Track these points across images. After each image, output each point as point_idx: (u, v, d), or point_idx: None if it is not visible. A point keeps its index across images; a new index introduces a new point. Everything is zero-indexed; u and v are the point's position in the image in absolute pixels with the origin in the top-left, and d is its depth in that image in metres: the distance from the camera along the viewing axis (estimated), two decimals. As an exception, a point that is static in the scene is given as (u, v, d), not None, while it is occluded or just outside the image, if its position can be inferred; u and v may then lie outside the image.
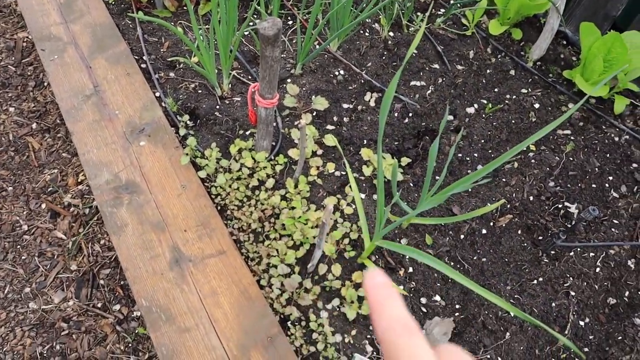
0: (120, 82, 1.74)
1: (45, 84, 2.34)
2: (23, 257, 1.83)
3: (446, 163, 1.31)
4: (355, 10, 1.96)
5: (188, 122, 1.70)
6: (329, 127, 1.82)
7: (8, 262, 1.81)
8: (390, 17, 2.08)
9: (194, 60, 1.87)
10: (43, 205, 1.96)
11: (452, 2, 2.18)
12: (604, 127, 1.98)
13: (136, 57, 1.87)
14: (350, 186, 1.64)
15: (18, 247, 1.85)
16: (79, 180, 2.03)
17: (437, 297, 1.49)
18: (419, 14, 2.22)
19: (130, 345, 1.65)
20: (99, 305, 1.73)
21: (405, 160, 1.70)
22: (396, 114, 1.89)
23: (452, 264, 1.57)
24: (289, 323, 1.35)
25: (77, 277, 1.79)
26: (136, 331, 1.66)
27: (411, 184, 1.69)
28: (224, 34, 1.61)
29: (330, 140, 1.72)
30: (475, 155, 1.83)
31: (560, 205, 1.73)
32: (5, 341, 1.65)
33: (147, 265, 1.36)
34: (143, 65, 1.85)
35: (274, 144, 1.69)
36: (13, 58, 2.42)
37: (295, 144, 1.73)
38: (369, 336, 1.37)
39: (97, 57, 1.80)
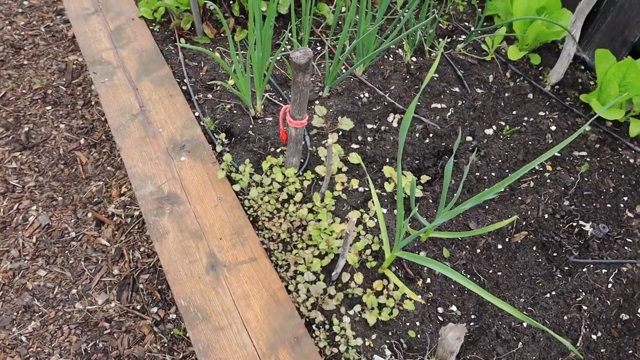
0: (164, 103, 1.91)
1: (93, 103, 2.54)
2: (70, 262, 1.99)
3: (462, 180, 1.41)
4: (380, 37, 2.10)
5: (224, 139, 1.85)
6: (354, 145, 1.94)
7: (57, 266, 1.98)
8: (413, 43, 2.21)
9: (230, 83, 2.04)
10: (89, 215, 2.13)
11: (472, 29, 2.30)
12: (619, 149, 2.05)
13: (178, 80, 2.04)
14: (372, 201, 1.76)
15: (66, 252, 2.02)
16: (122, 192, 2.21)
17: (454, 307, 1.58)
18: (440, 40, 2.35)
19: (166, 345, 1.78)
20: (138, 307, 1.88)
21: (424, 178, 1.81)
22: (417, 135, 2.01)
23: (468, 276, 1.66)
24: (313, 326, 1.46)
25: (119, 281, 1.94)
26: (172, 332, 1.80)
27: (430, 200, 1.80)
28: (258, 59, 1.77)
29: (354, 158, 1.85)
30: (493, 174, 1.93)
31: (574, 224, 1.81)
32: (54, 337, 1.81)
33: (186, 269, 1.50)
34: (184, 88, 2.03)
35: (302, 160, 1.83)
36: (64, 79, 2.65)
37: (322, 161, 1.85)
38: (387, 341, 1.47)
39: (143, 79, 1.98)
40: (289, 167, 1.77)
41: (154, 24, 2.23)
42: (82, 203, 2.17)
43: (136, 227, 2.10)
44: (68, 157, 2.33)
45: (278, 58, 2.18)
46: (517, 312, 1.20)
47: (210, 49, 2.17)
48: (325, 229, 1.60)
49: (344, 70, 2.18)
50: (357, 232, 1.64)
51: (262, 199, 1.69)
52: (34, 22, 2.91)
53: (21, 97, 2.55)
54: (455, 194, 1.46)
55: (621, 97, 1.50)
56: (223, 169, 1.71)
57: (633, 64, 2.01)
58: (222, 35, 2.22)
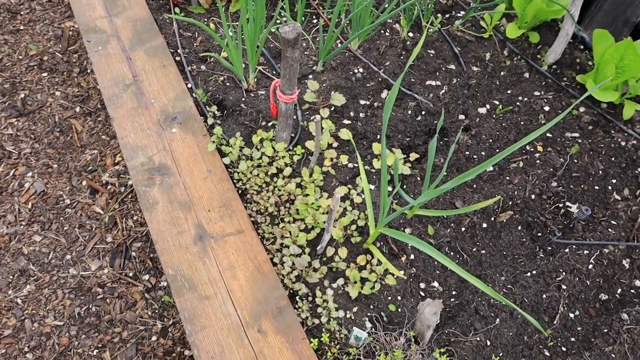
0: (157, 74, 1.91)
1: (89, 71, 2.54)
2: (65, 228, 2.03)
3: (447, 160, 1.42)
4: (377, 11, 2.07)
5: (216, 112, 1.86)
6: (346, 121, 1.95)
7: (52, 232, 2.02)
8: (410, 18, 2.19)
9: (223, 55, 2.03)
10: (84, 183, 2.16)
11: (471, 5, 2.26)
12: (612, 131, 2.05)
13: (172, 50, 2.03)
14: (361, 177, 1.78)
15: (61, 218, 2.06)
16: (116, 161, 2.23)
17: (435, 284, 1.62)
18: (438, 15, 2.32)
19: (157, 311, 1.83)
20: (130, 274, 1.93)
21: (413, 156, 1.82)
22: (410, 112, 2.01)
23: (451, 254, 1.69)
24: (297, 297, 1.51)
25: (112, 248, 1.98)
26: (162, 299, 1.85)
27: (418, 178, 1.81)
28: (251, 31, 1.76)
29: (345, 134, 1.86)
30: (483, 154, 1.93)
31: (561, 205, 1.83)
32: (49, 301, 1.86)
33: (174, 239, 1.53)
34: (177, 58, 2.02)
35: (293, 135, 1.84)
36: (60, 46, 2.63)
37: (313, 136, 1.87)
38: (369, 314, 1.51)
39: (136, 49, 1.98)
40: (280, 142, 1.78)
41: (148, -8, 2.20)
42: (77, 171, 2.20)
43: (129, 197, 2.13)
44: (63, 125, 2.34)
45: (273, 30, 2.16)
46: (492, 292, 1.23)
47: (205, 20, 2.15)
48: (313, 203, 1.63)
49: (338, 45, 2.17)
50: (343, 208, 1.66)
51: (251, 172, 1.71)
52: (30, -14, 2.87)
53: (17, 63, 2.54)
54: (441, 172, 1.48)
55: (609, 80, 1.49)
56: (213, 142, 1.73)
57: (631, 45, 1.98)
58: (215, 3, 2.20)
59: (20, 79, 2.49)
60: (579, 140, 2.01)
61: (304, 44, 2.16)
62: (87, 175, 2.19)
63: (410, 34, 2.25)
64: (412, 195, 1.78)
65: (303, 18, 2.21)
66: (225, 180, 1.66)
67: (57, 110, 2.39)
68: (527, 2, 2.22)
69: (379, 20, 1.84)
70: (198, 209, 1.59)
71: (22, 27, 2.68)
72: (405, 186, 1.80)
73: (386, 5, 2.09)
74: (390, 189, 1.78)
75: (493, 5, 2.28)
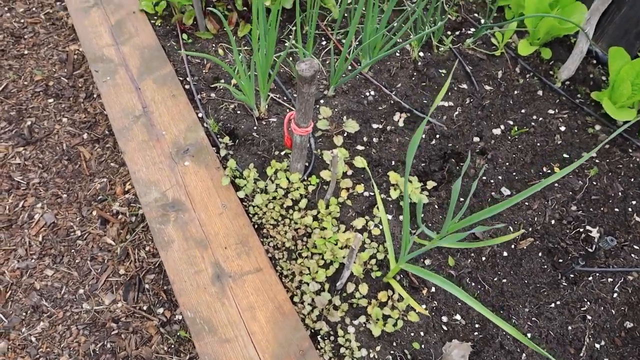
0: (167, 104, 1.88)
1: (95, 96, 2.51)
2: (77, 261, 2.00)
3: (469, 195, 1.39)
4: (389, 33, 2.04)
5: (228, 142, 1.83)
6: (359, 147, 1.92)
7: (64, 265, 1.99)
8: (421, 38, 2.15)
9: (233, 82, 2.00)
10: (94, 213, 2.13)
11: (482, 23, 2.23)
12: (630, 150, 2.02)
13: (180, 79, 2.00)
14: (377, 207, 1.75)
15: (72, 251, 2.03)
16: (126, 190, 2.20)
17: (458, 316, 1.59)
18: (448, 32, 2.29)
19: (173, 346, 1.81)
20: (145, 307, 1.90)
21: (431, 184, 1.79)
22: (424, 136, 1.98)
23: (472, 284, 1.66)
24: (319, 337, 1.48)
25: (125, 281, 1.96)
26: (178, 334, 1.82)
27: (436, 206, 1.78)
28: (262, 59, 1.73)
29: (359, 162, 1.82)
30: (500, 178, 1.90)
31: (581, 230, 1.80)
32: (63, 338, 1.84)
33: (191, 279, 1.50)
34: (187, 87, 1.99)
35: (307, 164, 1.81)
36: (65, 70, 2.60)
37: (327, 164, 1.83)
38: (392, 352, 1.48)
39: (145, 78, 1.94)
40: (294, 172, 1.75)
41: (155, 18, 2.17)
42: (87, 201, 2.17)
43: (141, 226, 2.10)
44: (71, 153, 2.31)
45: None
46: (515, 331, 1.20)
47: (213, 45, 2.12)
48: (330, 238, 1.60)
49: (349, 68, 2.14)
50: (362, 241, 1.63)
51: (266, 205, 1.68)
52: (34, 9, 2.84)
53: (23, 89, 2.51)
54: (464, 206, 1.45)
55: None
56: (227, 176, 1.70)
57: (648, 63, 1.95)
58: (224, 29, 2.17)
59: (27, 105, 2.46)
60: (597, 161, 1.97)
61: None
62: (97, 204, 2.16)
63: (421, 54, 2.22)
64: (430, 224, 1.75)
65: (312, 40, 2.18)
66: (240, 215, 1.63)
67: (64, 137, 2.36)
68: (539, 19, 2.19)
69: (393, 45, 1.81)
70: (215, 247, 1.56)
71: (26, 52, 2.65)
72: (423, 214, 1.77)
73: (395, 24, 2.06)
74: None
75: (504, 23, 2.24)
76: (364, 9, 2.23)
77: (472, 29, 2.34)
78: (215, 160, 1.76)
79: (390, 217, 1.74)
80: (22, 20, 2.78)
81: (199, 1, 1.93)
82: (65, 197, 2.18)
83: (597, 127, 2.08)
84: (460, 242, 1.65)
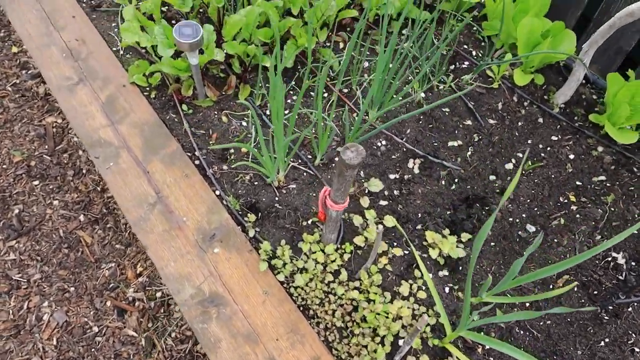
0: (180, 185, 1.78)
1: (84, 171, 2.36)
2: (101, 361, 1.87)
3: (521, 263, 1.38)
4: (394, 80, 2.02)
5: (253, 220, 1.75)
6: (382, 202, 1.89)
7: (88, 369, 1.86)
8: (422, 80, 2.15)
9: (242, 150, 1.92)
10: (108, 303, 2.00)
11: (482, 62, 2.25)
12: (635, 169, 2.08)
13: (188, 154, 1.91)
14: (416, 266, 1.73)
15: (93, 350, 1.90)
16: (138, 272, 2.08)
17: (515, 370, 1.59)
18: (443, 68, 2.29)
19: None
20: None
21: (465, 236, 1.79)
22: (443, 182, 1.97)
23: (522, 332, 1.67)
24: (389, 421, 1.44)
25: (157, 376, 1.84)
26: None
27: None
28: (281, 134, 1.66)
29: (390, 221, 1.80)
30: (524, 215, 1.92)
31: (609, 258, 1.84)
32: None
33: (248, 381, 1.43)
34: (197, 162, 1.90)
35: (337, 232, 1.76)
36: (46, 146, 2.44)
37: (356, 227, 1.80)
38: (463, 422, 1.46)
39: (151, 159, 1.84)
40: (328, 243, 1.70)
41: (147, 90, 2.06)
42: (98, 291, 2.03)
43: (162, 311, 1.99)
44: (70, 239, 2.16)
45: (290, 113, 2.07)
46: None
47: (215, 112, 2.03)
48: (380, 312, 1.56)
49: (355, 118, 2.10)
50: (411, 310, 1.60)
51: (307, 284, 1.62)
52: (-2, 82, 2.65)
53: (2, 173, 2.33)
54: (511, 273, 1.44)
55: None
56: (264, 260, 1.63)
57: (641, 84, 2.03)
58: (224, 93, 2.09)
59: (10, 192, 2.28)
60: (608, 184, 2.03)
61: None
62: (109, 294, 2.03)
63: (423, 94, 2.22)
64: (476, 284, 1.74)
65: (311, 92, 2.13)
66: (285, 301, 1.57)
67: (59, 222, 2.21)
68: (532, 49, 2.23)
69: (395, 90, 1.78)
70: (265, 340, 1.49)
71: (-1, 131, 2.46)
72: (461, 267, 1.76)
73: (390, 65, 2.03)
74: (446, 274, 1.74)
75: (501, 58, 2.28)
76: (359, 57, 2.20)
77: (466, 62, 2.36)
78: (245, 243, 1.68)
79: (431, 275, 1.72)
80: (-12, 96, 2.58)
81: (199, 72, 1.84)
82: (73, 290, 2.04)
83: (600, 149, 2.14)
84: (514, 296, 1.65)
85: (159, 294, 2.02)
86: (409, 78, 2.25)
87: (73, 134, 2.46)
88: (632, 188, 2.01)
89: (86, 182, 2.33)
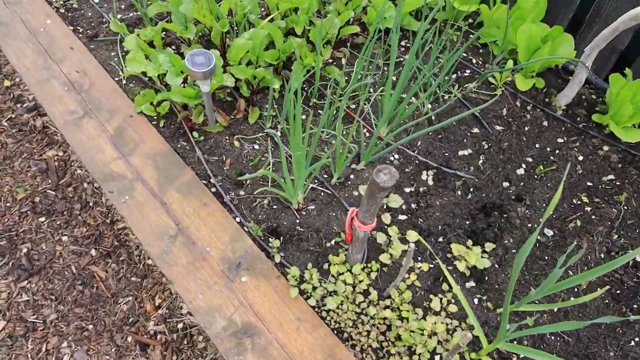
0: (200, 215, 1.76)
1: (91, 204, 2.31)
2: (128, 400, 1.83)
3: (544, 285, 1.40)
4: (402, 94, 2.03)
5: (277, 245, 1.74)
6: (401, 217, 1.89)
7: (115, 409, 1.81)
8: (430, 93, 2.17)
9: (256, 170, 1.91)
10: (129, 339, 1.96)
11: (485, 70, 2.28)
12: (640, 165, 2.13)
13: (204, 182, 1.89)
14: (443, 279, 1.73)
15: (119, 388, 1.85)
16: (157, 305, 2.04)
17: (551, 377, 1.60)
18: (445, 77, 2.31)
19: None
20: None
21: (489, 246, 1.80)
22: (459, 192, 1.98)
23: (553, 338, 1.68)
24: None
25: (188, 410, 1.81)
26: None
27: (497, 266, 1.79)
28: (302, 158, 1.66)
29: (413, 236, 1.80)
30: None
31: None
32: None
33: (291, 411, 1.41)
34: (213, 189, 1.88)
35: (362, 250, 1.76)
36: (49, 181, 2.38)
37: (379, 244, 1.79)
38: None
39: (168, 190, 1.81)
40: (354, 263, 1.69)
41: (156, 119, 2.03)
42: (117, 327, 1.99)
43: (185, 342, 1.95)
44: (84, 275, 2.11)
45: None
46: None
47: (226, 137, 2.02)
48: (414, 331, 1.56)
49: (366, 132, 2.10)
50: (445, 324, 1.60)
51: (339, 307, 1.61)
52: (-7, 118, 2.58)
53: (7, 212, 2.27)
54: (548, 281, 1.46)
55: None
56: (294, 286, 1.61)
57: (641, 83, 2.07)
58: (234, 117, 2.07)
59: (17, 230, 2.22)
60: (617, 182, 2.06)
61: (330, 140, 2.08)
62: (129, 329, 1.98)
63: (429, 105, 2.23)
64: (497, 286, 1.75)
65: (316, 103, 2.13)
66: (319, 326, 1.55)
67: (70, 259, 2.16)
68: (532, 53, 2.27)
69: (407, 104, 1.79)
70: (304, 368, 1.48)
71: (-1, 169, 2.40)
72: (487, 277, 1.77)
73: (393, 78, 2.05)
74: (473, 284, 1.75)
75: (503, 65, 2.31)
76: (363, 72, 2.21)
77: (468, 70, 2.39)
78: (272, 269, 1.67)
79: (459, 287, 1.72)
80: (-16, 133, 2.52)
81: (210, 100, 1.83)
82: (92, 328, 1.99)
83: (606, 148, 2.18)
84: (544, 304, 1.66)
85: (180, 325, 1.98)
86: (416, 90, 2.26)
87: (76, 166, 2.41)
88: (642, 185, 2.05)
89: (94, 215, 2.28)
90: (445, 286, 1.72)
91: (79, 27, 2.40)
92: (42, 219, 2.26)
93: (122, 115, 2.01)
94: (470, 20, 2.59)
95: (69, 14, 2.47)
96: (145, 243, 1.69)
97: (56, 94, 2.06)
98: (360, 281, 1.67)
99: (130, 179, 1.84)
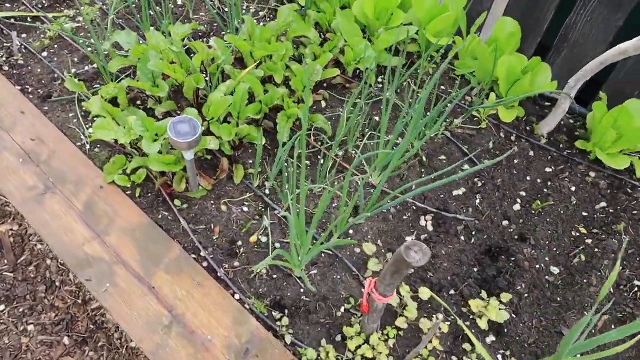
0: (195, 297, 1.58)
1: (58, 283, 2.06)
2: None
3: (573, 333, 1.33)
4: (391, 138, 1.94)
5: (286, 323, 1.59)
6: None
7: None
8: (421, 134, 2.09)
9: (251, 240, 1.75)
10: None
11: (451, 95, 2.24)
12: (629, 190, 2.14)
13: (193, 256, 1.71)
14: (462, 338, 1.64)
15: None
16: (149, 395, 1.82)
17: None
18: (427, 113, 2.25)
19: None
20: None
21: (506, 297, 1.72)
22: (462, 238, 1.91)
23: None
24: None
25: None
26: None
27: (514, 315, 1.72)
28: (303, 226, 1.52)
29: (425, 293, 1.70)
30: (547, 259, 1.90)
31: (635, 289, 1.86)
32: None
33: None
34: (204, 264, 1.70)
35: (375, 316, 1.64)
36: (5, 261, 2.10)
37: (392, 306, 1.68)
38: None
39: (154, 271, 1.62)
40: (371, 333, 1.57)
41: (130, 189, 1.83)
42: None
43: None
44: (59, 370, 1.86)
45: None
46: None
47: (212, 202, 1.84)
48: (448, 402, 1.45)
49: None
50: (476, 391, 1.51)
51: (363, 386, 1.48)
52: None
53: (-44, 305, 1.98)
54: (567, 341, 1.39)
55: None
56: (313, 371, 1.47)
57: (623, 108, 2.09)
58: (217, 179, 1.90)
59: (-28, 325, 1.93)
60: (610, 210, 2.06)
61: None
62: None
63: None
64: (517, 338, 1.68)
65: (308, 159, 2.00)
66: (345, 413, 1.41)
67: (40, 351, 1.90)
68: (512, 84, 2.25)
69: (402, 165, 1.70)
70: None
71: (-56, 254, 2.09)
72: (505, 329, 1.70)
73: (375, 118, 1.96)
74: (494, 339, 1.67)
75: (487, 97, 2.28)
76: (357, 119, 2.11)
77: (449, 104, 2.33)
78: (284, 352, 1.51)
79: (481, 344, 1.63)
80: None
81: (194, 167, 1.66)
82: None
83: (593, 175, 2.19)
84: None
85: (177, 416, 1.77)
86: (402, 130, 2.18)
87: (36, 240, 2.15)
88: (635, 212, 2.06)
89: (63, 296, 2.02)
90: (466, 346, 1.62)
91: (27, 87, 2.15)
92: (1, 307, 1.99)
93: (91, 187, 1.79)
94: (443, 51, 2.55)
95: (15, 72, 2.21)
96: (136, 338, 1.49)
97: (10, 167, 1.82)
98: (380, 353, 1.54)
99: (109, 262, 1.63)
